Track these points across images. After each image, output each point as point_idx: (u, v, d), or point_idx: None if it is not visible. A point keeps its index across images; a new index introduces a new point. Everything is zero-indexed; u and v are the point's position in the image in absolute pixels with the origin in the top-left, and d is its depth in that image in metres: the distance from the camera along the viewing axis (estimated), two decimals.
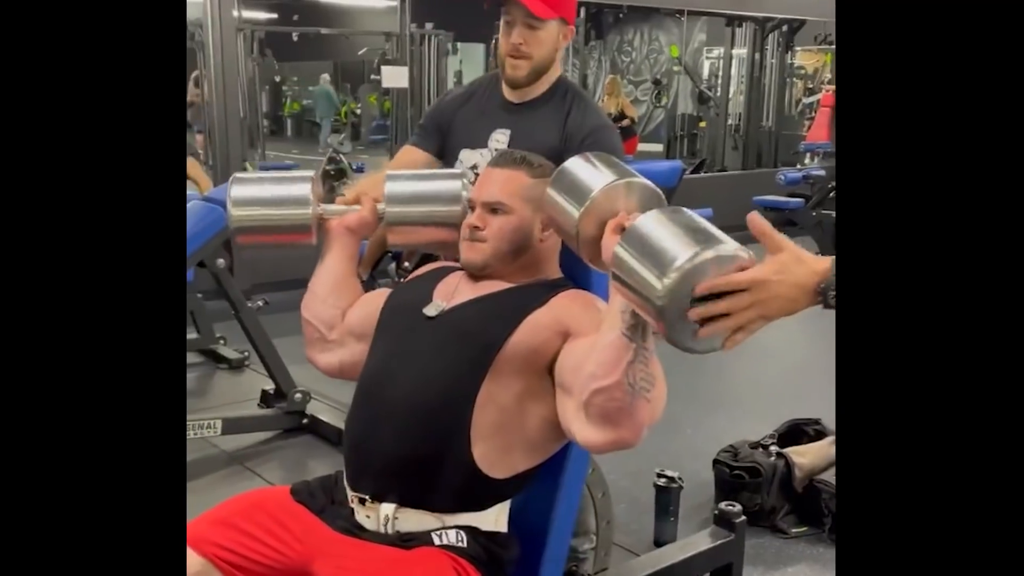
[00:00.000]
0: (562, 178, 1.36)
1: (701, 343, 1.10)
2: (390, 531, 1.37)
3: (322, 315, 1.61)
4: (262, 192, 1.63)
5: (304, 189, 1.62)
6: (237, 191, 1.62)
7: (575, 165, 1.37)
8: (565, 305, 1.41)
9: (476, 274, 1.51)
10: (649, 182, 1.33)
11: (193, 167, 5.58)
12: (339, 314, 1.61)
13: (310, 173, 1.68)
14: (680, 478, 2.55)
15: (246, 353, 3.98)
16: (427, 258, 1.91)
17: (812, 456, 2.73)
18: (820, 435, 2.92)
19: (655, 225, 1.15)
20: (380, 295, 1.61)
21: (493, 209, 1.48)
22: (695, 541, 2.08)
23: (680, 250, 1.08)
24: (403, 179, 1.67)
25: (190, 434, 3.04)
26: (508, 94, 1.99)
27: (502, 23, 1.92)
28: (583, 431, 1.25)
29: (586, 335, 1.32)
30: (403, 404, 1.38)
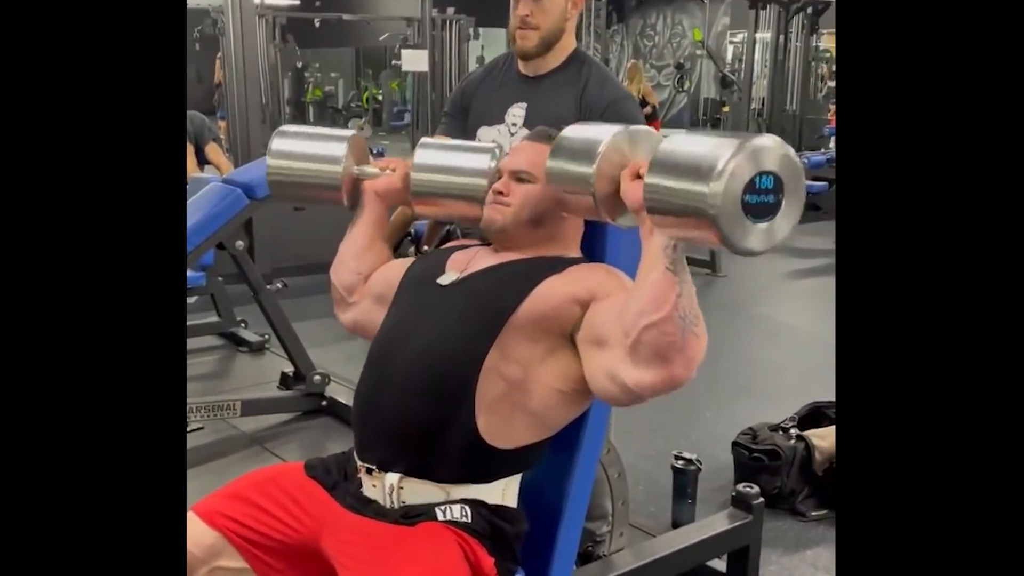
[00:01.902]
0: (561, 147, 1.36)
1: (761, 239, 1.09)
2: (395, 502, 1.37)
3: (344, 279, 1.65)
4: (299, 147, 1.66)
5: (338, 149, 1.63)
6: (277, 143, 1.65)
7: (572, 132, 1.38)
8: (584, 274, 1.40)
9: (494, 238, 1.51)
10: (649, 127, 1.34)
11: (215, 151, 5.61)
12: (360, 279, 1.64)
13: (351, 133, 1.67)
14: (698, 460, 2.53)
15: (266, 336, 4.00)
16: (447, 242, 1.90)
17: (832, 439, 2.70)
18: None
19: (679, 146, 1.14)
20: (405, 263, 1.64)
21: (519, 178, 1.49)
22: (712, 523, 2.07)
23: (719, 152, 1.07)
24: (433, 148, 1.65)
25: (210, 416, 3.07)
26: (523, 68, 1.98)
27: None
28: (633, 374, 1.22)
29: (612, 296, 1.31)
30: (408, 371, 1.39)
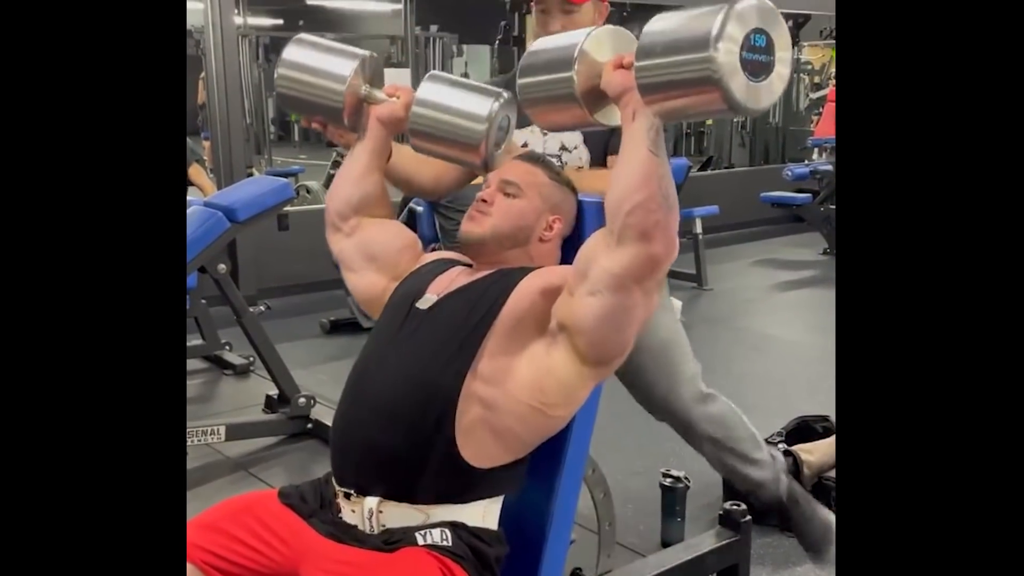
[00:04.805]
0: (531, 61, 1.40)
1: (760, 96, 1.15)
2: (375, 525, 1.35)
3: (336, 205, 1.63)
4: (310, 59, 1.59)
5: (346, 67, 1.56)
6: (289, 52, 1.59)
7: (537, 47, 1.41)
8: (547, 270, 1.44)
9: (471, 252, 1.51)
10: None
11: (197, 173, 5.59)
12: (349, 208, 1.62)
13: (365, 52, 1.61)
14: (687, 478, 2.52)
15: (251, 358, 3.96)
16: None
17: (820, 453, 2.69)
18: (828, 432, 2.88)
19: (661, 26, 1.19)
20: (410, 235, 1.65)
21: (507, 192, 1.50)
22: (700, 542, 2.06)
23: (709, 21, 1.11)
24: (440, 82, 1.57)
25: (194, 441, 3.03)
26: None
27: (536, 13, 1.93)
28: (615, 257, 1.26)
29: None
30: (386, 397, 1.38)
